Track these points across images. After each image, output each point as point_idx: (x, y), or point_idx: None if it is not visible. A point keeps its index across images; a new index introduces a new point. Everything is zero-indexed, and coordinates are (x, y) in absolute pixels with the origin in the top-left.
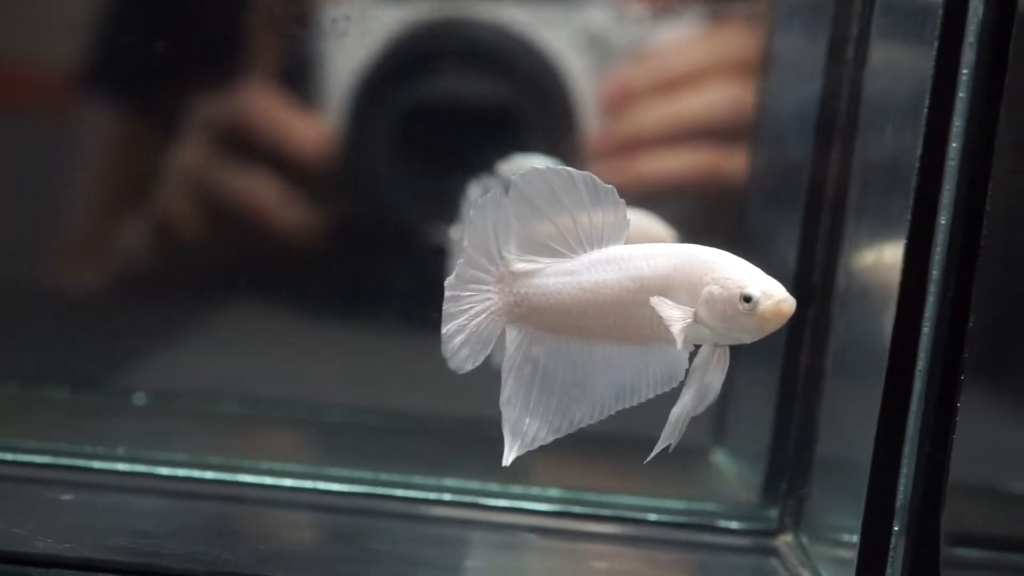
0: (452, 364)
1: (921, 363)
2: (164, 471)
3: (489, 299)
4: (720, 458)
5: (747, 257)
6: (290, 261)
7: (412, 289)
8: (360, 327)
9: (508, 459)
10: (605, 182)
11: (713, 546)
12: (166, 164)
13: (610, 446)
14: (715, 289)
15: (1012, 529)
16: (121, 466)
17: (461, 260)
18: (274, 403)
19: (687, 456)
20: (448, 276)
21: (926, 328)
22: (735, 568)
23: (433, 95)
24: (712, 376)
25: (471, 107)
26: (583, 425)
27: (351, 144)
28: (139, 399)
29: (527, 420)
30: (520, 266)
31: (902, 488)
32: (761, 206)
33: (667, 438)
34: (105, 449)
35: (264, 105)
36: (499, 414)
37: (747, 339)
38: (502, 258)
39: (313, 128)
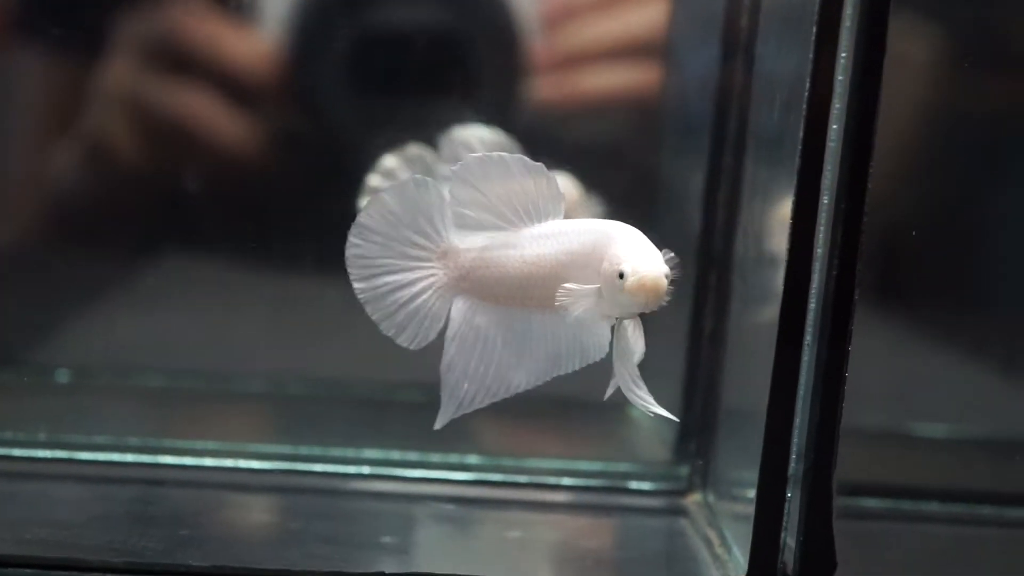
0: (400, 340)
1: (809, 328)
2: (84, 456)
3: (434, 275)
4: (637, 413)
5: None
6: (227, 194)
7: None
8: (297, 274)
9: (442, 422)
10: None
11: (626, 508)
12: (95, 86)
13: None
14: (605, 265)
15: (914, 476)
16: (41, 452)
17: (386, 234)
18: (197, 375)
19: (607, 412)
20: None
21: (815, 281)
22: (646, 531)
23: (381, 15)
24: (625, 345)
25: (418, 29)
26: (519, 391)
27: (298, 64)
28: (62, 376)
29: (466, 385)
30: (464, 241)
31: (796, 441)
32: (670, 162)
33: (637, 403)
34: (26, 435)
35: (198, 18)
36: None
37: (630, 312)
38: (440, 236)
39: (251, 43)
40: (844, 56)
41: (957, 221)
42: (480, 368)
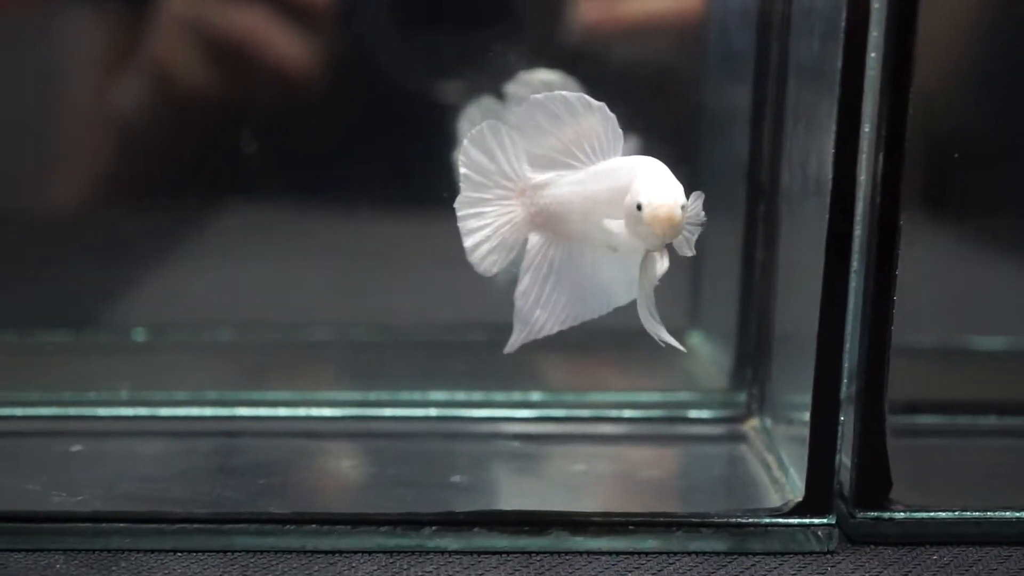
0: (480, 269)
1: (855, 255)
2: (165, 412)
3: (513, 211)
4: (696, 340)
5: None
6: (286, 141)
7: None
8: (353, 220)
9: (513, 346)
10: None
11: (687, 437)
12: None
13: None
14: (627, 199)
15: (972, 390)
16: (124, 411)
17: (475, 179)
18: (266, 326)
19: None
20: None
21: (859, 205)
22: (708, 458)
23: None
24: (645, 273)
25: None
26: (583, 320)
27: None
28: (139, 335)
29: (537, 312)
30: (539, 179)
31: (847, 362)
32: (716, 97)
33: (650, 330)
34: (109, 394)
35: None
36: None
37: (652, 244)
38: (518, 175)
39: None
40: None
41: (1008, 133)
42: (552, 297)
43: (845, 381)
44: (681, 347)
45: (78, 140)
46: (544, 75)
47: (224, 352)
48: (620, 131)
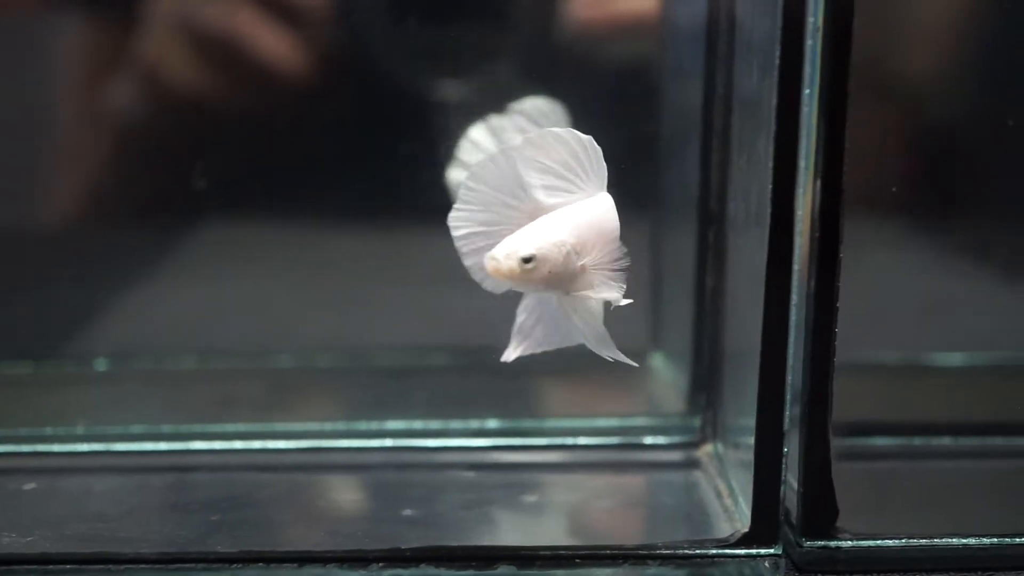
0: (486, 285)
1: (795, 289)
2: (120, 447)
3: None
4: (657, 362)
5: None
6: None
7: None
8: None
9: (511, 356)
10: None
11: (642, 464)
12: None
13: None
14: None
15: (924, 410)
16: (80, 446)
17: (483, 198)
18: (225, 355)
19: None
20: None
21: (796, 263)
22: (662, 486)
23: None
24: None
25: None
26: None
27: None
28: (100, 365)
29: (540, 328)
30: (550, 200)
31: (790, 384)
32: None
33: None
34: (65, 430)
35: None
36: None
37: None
38: (527, 196)
39: None
40: (811, 20)
41: (965, 141)
42: (554, 315)
43: (789, 404)
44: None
45: (39, 164)
46: (540, 104)
47: (185, 381)
48: (602, 160)
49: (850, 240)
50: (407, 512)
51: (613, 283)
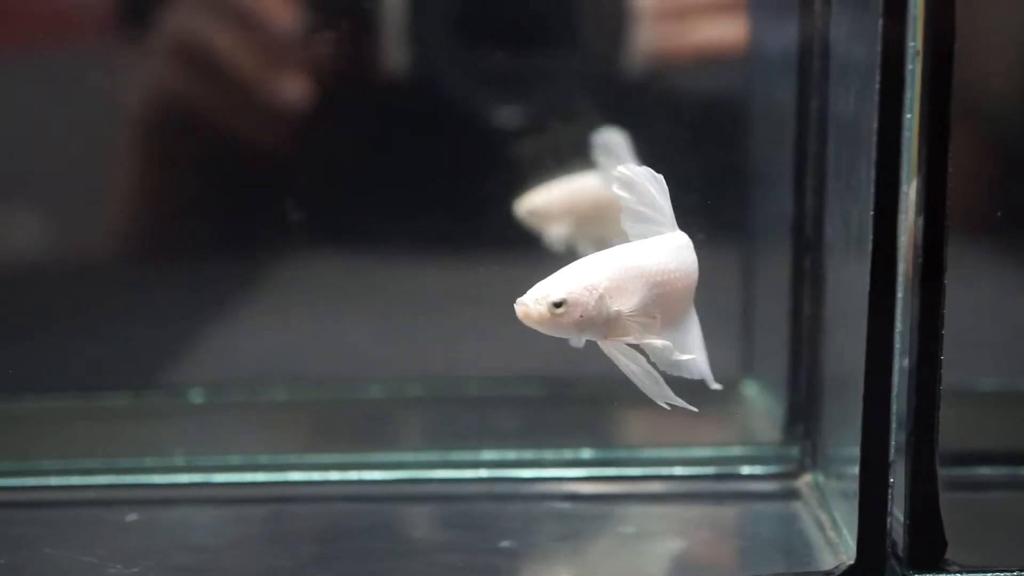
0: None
1: (899, 318)
2: (219, 478)
3: None
4: (751, 390)
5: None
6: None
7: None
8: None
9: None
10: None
11: (739, 494)
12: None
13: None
14: None
15: None
16: (180, 478)
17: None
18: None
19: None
20: None
21: (900, 290)
22: (761, 517)
23: None
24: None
25: None
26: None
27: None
28: (196, 396)
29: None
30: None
31: (895, 412)
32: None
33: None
34: (165, 461)
35: None
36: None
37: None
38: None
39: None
40: (911, 44)
41: None
42: None
43: (894, 432)
44: (692, 408)
45: (129, 198)
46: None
47: (278, 412)
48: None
49: (953, 265)
50: (504, 544)
51: (649, 330)
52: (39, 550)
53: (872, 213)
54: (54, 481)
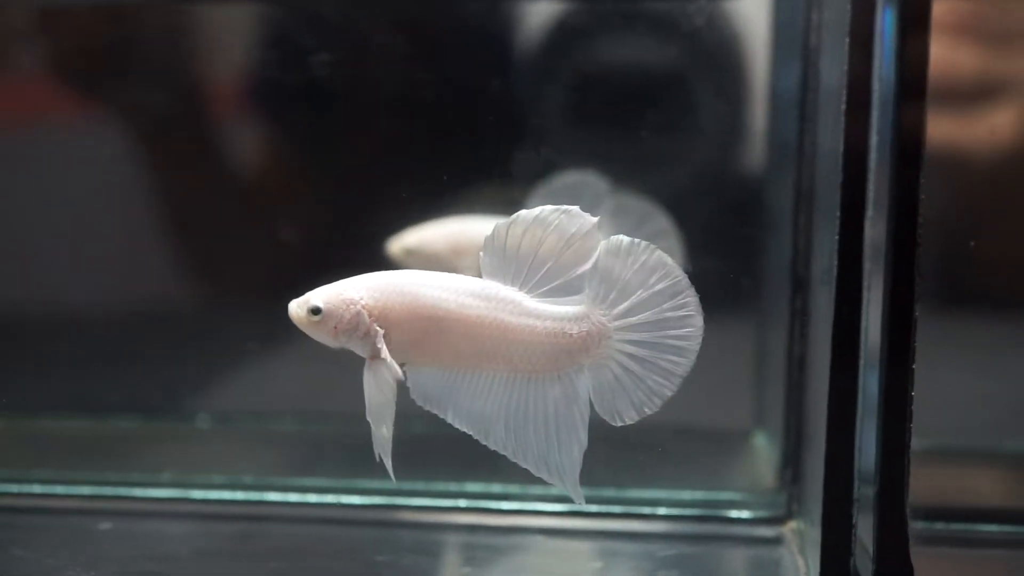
0: None
1: (863, 351)
2: (198, 495)
3: None
4: (760, 441)
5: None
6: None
7: None
8: None
9: None
10: None
11: (720, 537)
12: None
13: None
14: None
15: (1010, 495)
16: (161, 492)
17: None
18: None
19: (730, 440)
20: None
21: (865, 297)
22: (739, 560)
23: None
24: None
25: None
26: None
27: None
28: (203, 421)
29: None
30: None
31: (859, 464)
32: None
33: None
34: (150, 476)
35: None
36: None
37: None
38: None
39: None
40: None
41: None
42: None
43: (857, 482)
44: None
45: (152, 233)
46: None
47: (277, 440)
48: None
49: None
50: (466, 570)
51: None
52: (6, 551)
53: (836, 239)
54: (37, 489)
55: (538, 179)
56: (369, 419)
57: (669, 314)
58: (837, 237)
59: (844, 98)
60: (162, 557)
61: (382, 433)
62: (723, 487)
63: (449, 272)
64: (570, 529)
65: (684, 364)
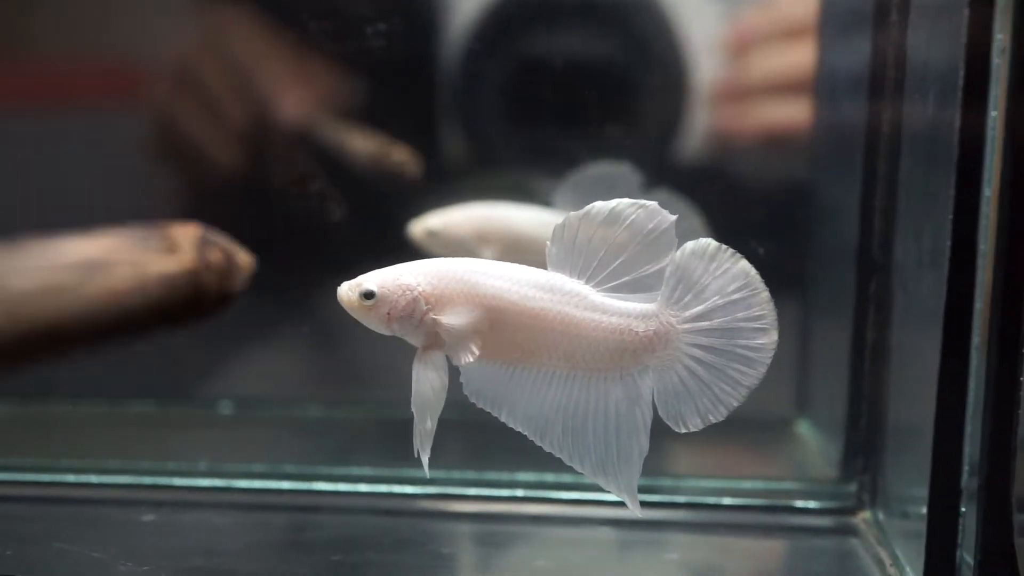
0: None
1: (976, 329)
2: (242, 484)
3: None
4: (804, 429)
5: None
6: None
7: None
8: None
9: None
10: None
11: (792, 528)
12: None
13: None
14: None
15: None
16: (202, 482)
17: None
18: (353, 405)
19: (772, 429)
20: None
21: (978, 299)
22: (813, 551)
23: (542, 47)
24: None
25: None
26: None
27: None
28: (225, 408)
29: None
30: None
31: (967, 453)
32: (828, 176)
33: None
34: (187, 465)
35: None
36: None
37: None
38: None
39: None
40: (1000, 37)
41: None
42: None
43: (967, 472)
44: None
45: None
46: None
47: (306, 427)
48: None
49: None
50: (540, 563)
51: (464, 349)
52: (49, 545)
53: (951, 218)
54: (71, 479)
55: (567, 169)
56: (414, 411)
57: (743, 324)
58: (952, 217)
59: (961, 77)
60: (213, 550)
61: (426, 427)
62: (779, 477)
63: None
64: (631, 520)
65: (752, 376)
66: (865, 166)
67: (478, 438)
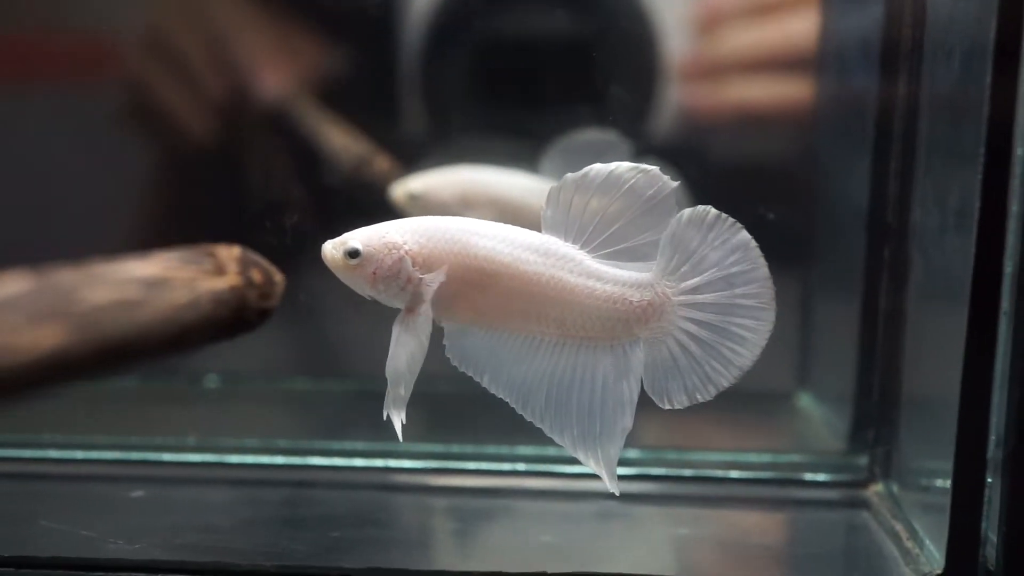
0: None
1: (1006, 294)
2: (234, 459)
3: None
4: (805, 402)
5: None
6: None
7: None
8: None
9: None
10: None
11: (801, 501)
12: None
13: None
14: None
15: None
16: (192, 457)
17: None
18: (345, 378)
19: (772, 402)
20: None
21: (1008, 262)
22: (825, 524)
23: (511, 25)
24: None
25: (551, 34)
26: None
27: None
28: (211, 381)
29: None
30: None
31: (994, 426)
32: (831, 142)
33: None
34: (176, 440)
35: None
36: None
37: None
38: None
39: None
40: None
41: None
42: None
43: (992, 443)
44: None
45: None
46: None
47: (297, 401)
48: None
49: None
50: (545, 538)
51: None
52: (35, 523)
53: (980, 177)
54: (54, 454)
55: (553, 135)
56: (388, 375)
57: (740, 301)
58: (980, 178)
59: (993, 30)
60: (206, 527)
61: (399, 393)
62: (785, 450)
63: None
64: (635, 493)
65: (745, 356)
66: (877, 129)
67: (477, 414)
